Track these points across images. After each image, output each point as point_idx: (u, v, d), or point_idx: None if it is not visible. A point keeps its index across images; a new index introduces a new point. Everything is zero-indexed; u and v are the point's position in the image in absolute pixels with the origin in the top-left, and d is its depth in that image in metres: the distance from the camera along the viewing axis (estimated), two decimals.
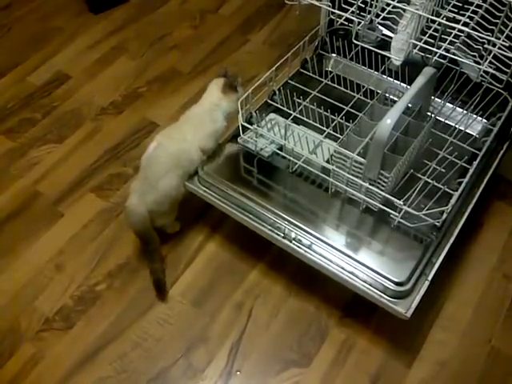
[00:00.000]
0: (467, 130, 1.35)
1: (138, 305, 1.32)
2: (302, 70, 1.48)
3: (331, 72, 1.48)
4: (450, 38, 1.00)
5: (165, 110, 1.70)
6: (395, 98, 1.31)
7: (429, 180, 1.19)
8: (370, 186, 1.10)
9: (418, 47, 1.00)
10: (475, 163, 1.19)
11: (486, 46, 0.93)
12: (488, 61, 0.94)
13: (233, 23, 2.04)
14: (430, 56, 1.02)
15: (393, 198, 1.08)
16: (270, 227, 1.19)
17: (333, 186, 1.20)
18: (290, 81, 1.45)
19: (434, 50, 0.98)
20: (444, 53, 0.97)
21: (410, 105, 1.16)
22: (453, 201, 1.10)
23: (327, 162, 1.21)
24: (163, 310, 1.31)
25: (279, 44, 1.94)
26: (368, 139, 1.12)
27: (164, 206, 1.31)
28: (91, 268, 1.38)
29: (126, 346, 1.25)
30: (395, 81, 1.43)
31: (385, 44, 1.31)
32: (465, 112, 1.36)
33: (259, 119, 1.30)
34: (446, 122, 1.36)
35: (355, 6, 1.07)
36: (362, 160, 1.08)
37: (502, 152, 1.34)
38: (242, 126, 1.26)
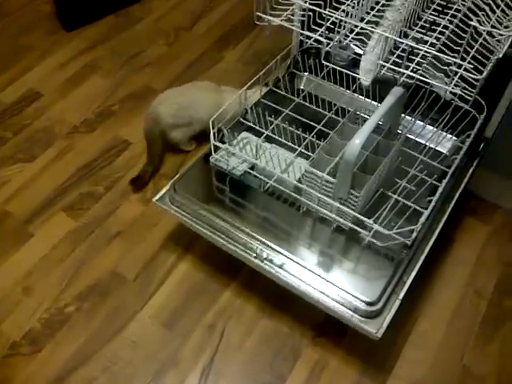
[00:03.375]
0: (437, 148, 1.36)
1: (107, 327, 1.29)
2: (274, 89, 1.48)
3: (303, 90, 1.48)
4: (417, 59, 1.00)
5: (138, 128, 1.69)
6: (367, 116, 1.32)
7: (399, 198, 1.20)
8: (341, 206, 1.10)
9: (385, 68, 1.00)
10: (445, 181, 1.19)
11: (451, 67, 0.93)
12: (454, 81, 0.95)
13: (207, 41, 2.05)
14: (397, 76, 1.03)
15: (363, 218, 1.08)
16: (241, 247, 1.18)
17: (304, 205, 1.20)
18: (262, 99, 1.45)
19: (402, 70, 0.99)
20: (411, 74, 0.98)
21: (380, 122, 1.17)
22: (422, 219, 1.11)
23: (299, 180, 1.21)
24: (134, 332, 1.28)
25: (253, 62, 1.95)
26: (338, 158, 1.12)
27: (184, 118, 1.57)
28: (60, 290, 1.36)
29: (96, 369, 1.23)
30: (366, 99, 1.44)
31: (357, 62, 1.32)
32: (435, 130, 1.37)
33: (231, 138, 1.30)
34: (417, 139, 1.38)
35: (323, 29, 1.07)
36: (331, 180, 1.08)
37: (471, 169, 1.36)
38: (214, 145, 1.25)
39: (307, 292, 1.10)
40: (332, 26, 1.12)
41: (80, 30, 2.08)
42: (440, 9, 1.18)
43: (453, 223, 1.42)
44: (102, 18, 2.13)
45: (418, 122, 1.39)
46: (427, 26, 1.08)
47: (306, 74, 1.54)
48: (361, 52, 1.40)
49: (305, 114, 1.41)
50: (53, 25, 2.10)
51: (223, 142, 1.29)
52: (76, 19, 2.07)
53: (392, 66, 1.00)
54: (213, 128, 1.25)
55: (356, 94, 1.45)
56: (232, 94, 1.56)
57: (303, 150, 1.30)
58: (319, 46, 1.14)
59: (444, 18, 1.07)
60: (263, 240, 1.17)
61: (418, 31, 1.09)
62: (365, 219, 1.08)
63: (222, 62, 1.96)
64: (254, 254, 1.16)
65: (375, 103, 1.41)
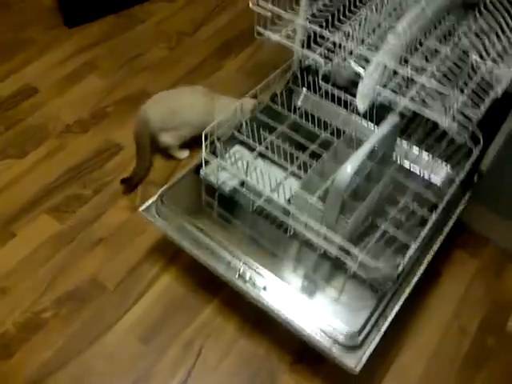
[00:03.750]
0: (431, 177, 1.34)
1: (83, 336, 1.26)
2: (270, 104, 1.46)
3: (300, 107, 1.46)
4: (415, 89, 0.98)
5: (131, 132, 1.66)
6: (363, 138, 1.29)
7: (389, 228, 1.18)
8: (328, 232, 1.07)
9: (382, 95, 0.98)
10: (435, 213, 1.17)
11: (448, 100, 0.91)
12: (451, 114, 0.93)
13: (209, 47, 2.02)
14: (394, 105, 1.01)
15: (349, 246, 1.06)
16: (225, 265, 1.16)
17: (291, 227, 1.18)
18: (258, 114, 1.43)
19: (399, 100, 0.97)
20: (408, 104, 0.96)
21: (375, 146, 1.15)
22: (410, 252, 1.08)
23: (288, 201, 1.19)
24: (110, 343, 1.25)
25: (254, 73, 1.93)
26: (329, 182, 1.10)
27: (173, 122, 1.54)
28: (39, 294, 1.33)
29: (67, 380, 1.20)
30: (363, 120, 1.42)
31: (357, 82, 1.30)
32: (430, 158, 1.35)
33: (223, 152, 1.27)
34: (410, 167, 1.36)
35: (322, 48, 1.05)
36: (320, 204, 1.05)
37: (464, 201, 1.33)
38: (205, 158, 1.23)
39: (287, 319, 1.08)
40: (332, 46, 1.10)
41: (81, 27, 2.06)
42: (442, 36, 1.16)
43: (442, 255, 1.40)
44: (105, 17, 2.10)
45: (413, 148, 1.37)
46: (428, 53, 1.05)
47: (304, 90, 1.52)
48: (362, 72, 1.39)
49: (300, 132, 1.39)
50: (54, 20, 2.07)
51: (215, 155, 1.27)
52: (78, 16, 2.05)
53: (389, 95, 0.97)
54: (205, 140, 1.23)
55: (353, 115, 1.43)
56: (226, 103, 1.56)
57: (295, 170, 1.28)
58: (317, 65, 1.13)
59: (445, 47, 1.05)
60: (247, 260, 1.14)
61: (418, 58, 1.06)
62: (351, 248, 1.06)
63: (222, 70, 1.94)
64: (237, 274, 1.14)
65: (372, 125, 1.39)
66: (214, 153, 1.27)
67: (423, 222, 1.19)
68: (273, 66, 1.44)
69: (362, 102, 1.05)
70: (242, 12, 2.18)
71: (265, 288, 1.12)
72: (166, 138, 1.58)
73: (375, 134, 1.03)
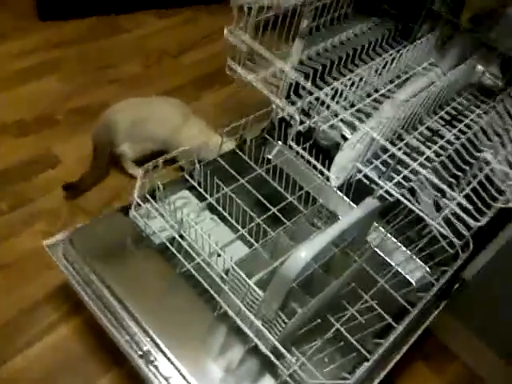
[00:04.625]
0: (404, 275, 1.13)
1: None
2: (236, 151, 1.24)
3: (270, 161, 1.24)
4: (405, 172, 0.77)
5: (75, 149, 1.43)
6: (333, 213, 1.08)
7: (342, 330, 0.95)
8: (262, 327, 0.83)
9: (362, 174, 0.77)
10: (403, 324, 0.94)
11: (445, 200, 0.70)
12: (443, 215, 0.72)
13: (190, 74, 1.82)
14: (375, 187, 0.79)
15: (284, 351, 0.82)
16: (129, 337, 0.91)
17: (221, 306, 0.93)
18: (219, 158, 1.21)
19: (381, 183, 0.76)
20: (391, 190, 0.75)
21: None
22: (361, 371, 0.85)
23: (226, 273, 0.95)
24: None
25: (232, 111, 1.71)
26: (277, 264, 0.87)
27: (139, 133, 1.36)
28: None
29: None
30: (339, 192, 1.21)
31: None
32: (407, 253, 1.14)
33: (162, 196, 1.04)
34: (383, 258, 1.14)
35: (302, 102, 0.84)
36: (258, 292, 0.82)
37: (437, 311, 1.11)
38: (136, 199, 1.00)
39: None
40: (315, 103, 0.89)
41: (55, 23, 1.84)
42: (448, 118, 0.97)
43: (400, 364, 1.16)
44: (84, 18, 1.89)
45: (389, 238, 1.16)
46: (428, 134, 0.85)
47: (279, 143, 1.30)
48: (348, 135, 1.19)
49: (263, 190, 1.17)
50: (27, 8, 1.86)
51: (154, 196, 1.04)
52: (55, 9, 1.84)
53: (370, 174, 0.76)
54: (144, 175, 1.00)
55: (328, 183, 1.21)
56: (197, 128, 1.43)
57: (246, 234, 1.06)
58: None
59: (450, 131, 0.85)
60: (156, 338, 0.89)
61: (416, 137, 0.86)
62: (286, 354, 0.82)
63: (199, 101, 1.73)
64: (140, 353, 0.89)
65: (347, 200, 1.18)
66: (153, 195, 1.04)
67: (387, 328, 0.97)
68: (256, 108, 1.24)
69: (336, 176, 0.83)
70: None
71: (168, 379, 0.87)
72: (127, 148, 1.39)
73: (347, 218, 0.81)
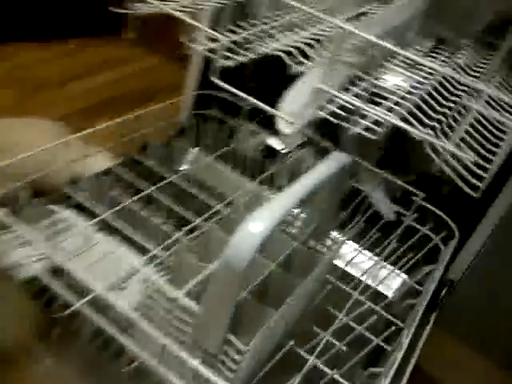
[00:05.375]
0: (376, 286, 0.86)
1: None
2: (136, 158, 0.94)
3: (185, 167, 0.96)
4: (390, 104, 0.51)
5: None
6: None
7: (317, 361, 0.64)
8: (202, 369, 0.51)
9: (333, 105, 0.49)
10: (400, 354, 0.65)
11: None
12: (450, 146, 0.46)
13: (74, 106, 1.51)
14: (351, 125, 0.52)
15: None
16: None
17: (132, 357, 0.59)
18: (116, 167, 0.90)
19: (370, 110, 0.48)
20: (385, 117, 0.48)
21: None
22: None
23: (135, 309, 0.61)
24: None
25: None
26: (213, 266, 0.56)
27: None
28: None
29: None
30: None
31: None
32: (377, 261, 0.87)
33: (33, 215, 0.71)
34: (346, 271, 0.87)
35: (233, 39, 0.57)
36: (192, 307, 0.50)
37: (428, 328, 0.84)
38: None
39: None
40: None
41: None
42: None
43: None
44: None
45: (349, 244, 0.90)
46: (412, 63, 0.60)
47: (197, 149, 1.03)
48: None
49: (180, 198, 0.88)
50: None
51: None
52: None
53: (350, 99, 0.49)
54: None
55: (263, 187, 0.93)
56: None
57: (158, 253, 0.74)
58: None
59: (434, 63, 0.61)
60: None
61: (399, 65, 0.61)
62: None
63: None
64: None
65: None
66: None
67: (376, 352, 0.68)
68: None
69: (289, 120, 0.55)
70: (131, 74, 1.75)
71: None
72: None
73: (311, 174, 0.53)
